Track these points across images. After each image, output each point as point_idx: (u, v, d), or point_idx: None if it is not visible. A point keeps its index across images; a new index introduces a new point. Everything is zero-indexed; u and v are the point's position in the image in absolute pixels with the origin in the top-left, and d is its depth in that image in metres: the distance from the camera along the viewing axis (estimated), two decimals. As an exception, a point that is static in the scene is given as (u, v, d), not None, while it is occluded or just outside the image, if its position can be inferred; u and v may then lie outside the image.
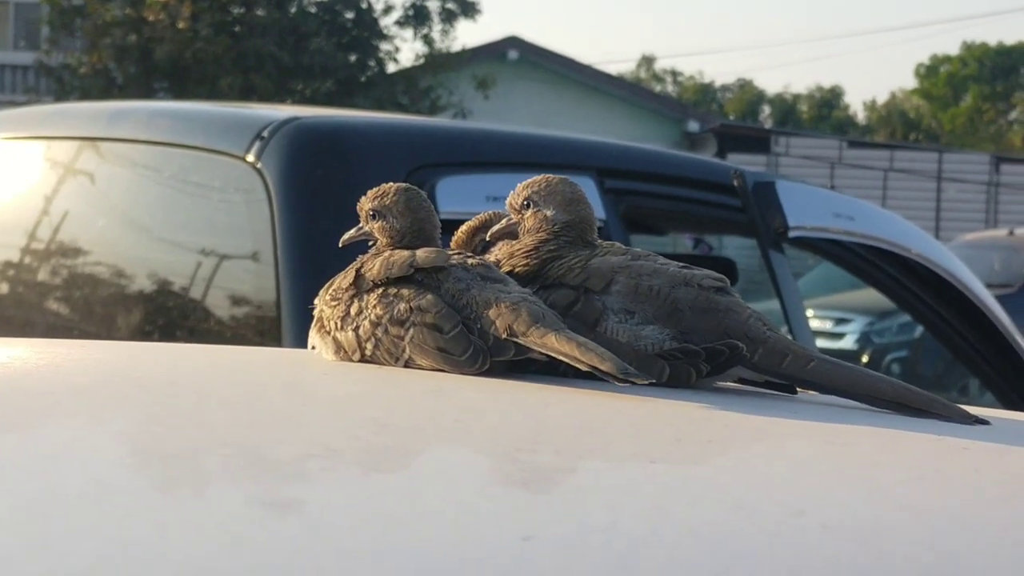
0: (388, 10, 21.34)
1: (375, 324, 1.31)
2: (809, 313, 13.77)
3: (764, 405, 1.24)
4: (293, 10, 20.51)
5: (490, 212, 1.52)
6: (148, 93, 19.73)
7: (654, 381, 1.21)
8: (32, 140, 3.50)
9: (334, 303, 1.36)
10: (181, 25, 19.13)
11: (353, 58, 20.94)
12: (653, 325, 1.29)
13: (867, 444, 1.09)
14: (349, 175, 2.91)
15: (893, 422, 1.18)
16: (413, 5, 21.34)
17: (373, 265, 1.36)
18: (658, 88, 56.18)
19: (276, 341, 2.75)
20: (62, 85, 20.11)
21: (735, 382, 1.34)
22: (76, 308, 3.36)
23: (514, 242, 1.43)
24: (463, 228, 1.52)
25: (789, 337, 1.39)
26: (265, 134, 2.89)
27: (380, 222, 1.43)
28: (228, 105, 4.20)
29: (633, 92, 29.47)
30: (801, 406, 1.26)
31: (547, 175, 1.48)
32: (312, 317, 1.43)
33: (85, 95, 19.48)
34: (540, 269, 1.38)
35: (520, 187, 1.46)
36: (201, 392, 1.19)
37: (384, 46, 21.48)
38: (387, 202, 1.43)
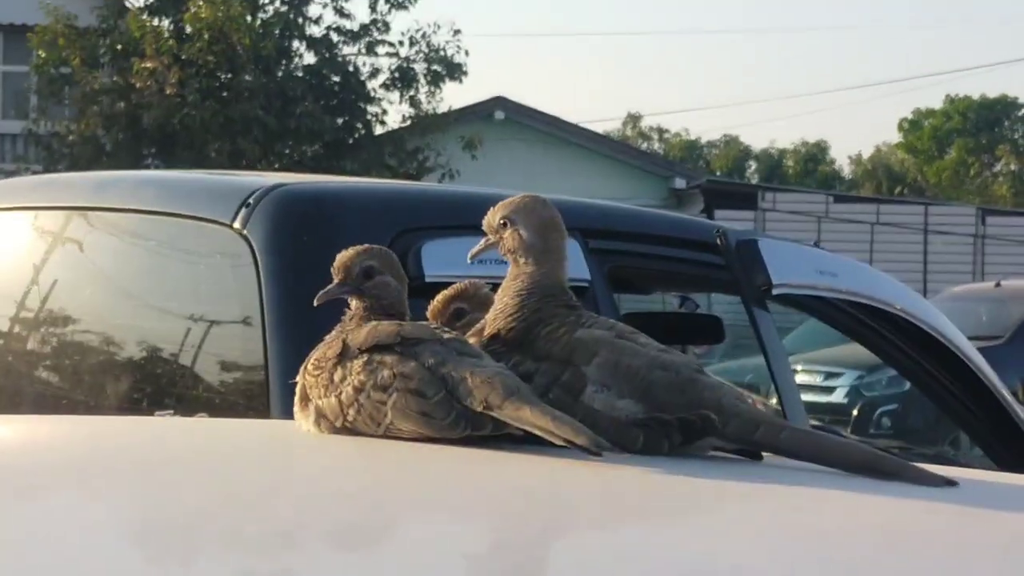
0: (375, 73, 21.46)
1: (358, 390, 1.33)
2: (799, 367, 13.80)
3: (734, 471, 1.26)
4: (280, 74, 20.62)
5: (466, 282, 1.55)
6: (137, 159, 19.78)
7: (626, 452, 1.24)
8: (19, 211, 3.51)
9: (317, 372, 1.39)
10: (168, 91, 19.22)
11: (340, 121, 21.04)
12: (628, 399, 1.32)
13: (829, 509, 1.10)
14: (334, 240, 2.89)
15: (862, 487, 1.19)
16: (399, 67, 21.45)
17: (359, 334, 1.37)
18: (644, 145, 56.41)
19: (264, 407, 2.76)
20: (51, 153, 20.16)
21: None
22: (65, 377, 3.37)
23: (497, 302, 1.45)
24: (439, 297, 1.55)
25: (763, 408, 1.42)
26: (251, 201, 2.90)
27: (376, 280, 1.45)
28: (213, 173, 4.23)
29: (619, 150, 29.60)
30: (772, 471, 1.28)
31: (526, 194, 1.50)
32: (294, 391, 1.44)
33: (74, 163, 19.53)
34: (526, 335, 1.39)
35: (498, 206, 1.48)
36: (178, 469, 1.21)
37: (371, 108, 21.60)
38: (384, 262, 1.47)
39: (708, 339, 4.66)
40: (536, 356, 1.38)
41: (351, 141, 21.10)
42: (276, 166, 19.85)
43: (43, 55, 20.00)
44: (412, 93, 21.49)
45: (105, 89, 19.83)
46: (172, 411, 2.93)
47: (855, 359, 12.56)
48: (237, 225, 2.89)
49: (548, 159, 25.86)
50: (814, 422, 5.07)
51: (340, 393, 1.35)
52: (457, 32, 21.54)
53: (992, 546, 1.03)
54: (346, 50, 21.64)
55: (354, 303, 1.46)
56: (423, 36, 21.40)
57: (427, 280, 2.88)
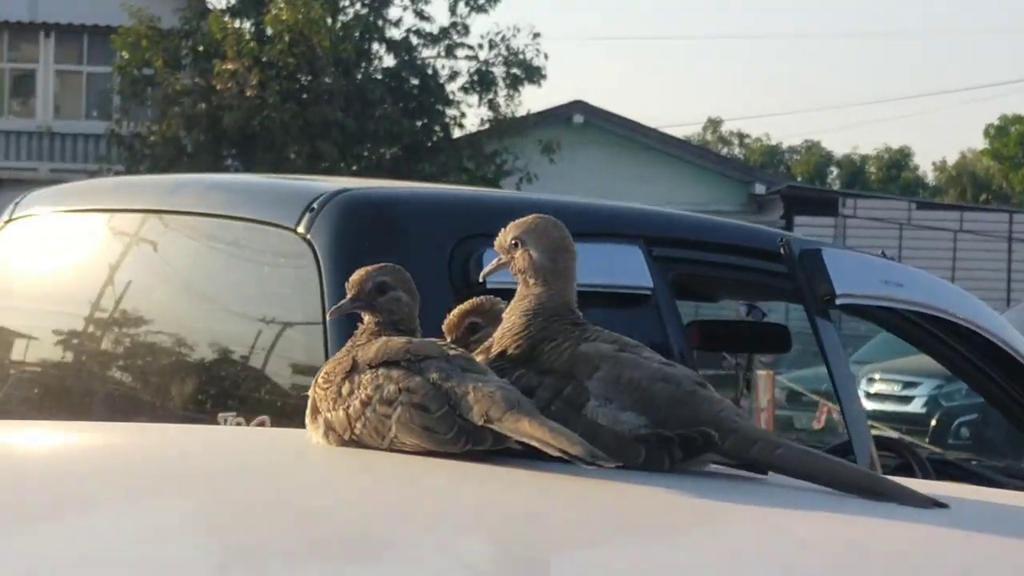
0: (453, 76, 21.54)
1: (365, 404, 1.36)
2: (876, 376, 13.66)
3: (730, 489, 1.28)
4: (359, 77, 20.75)
5: (482, 297, 1.57)
6: (217, 161, 19.99)
7: (621, 465, 1.25)
8: (95, 212, 3.57)
9: (326, 385, 1.42)
10: (249, 93, 19.40)
11: (419, 124, 21.12)
12: (630, 412, 1.34)
13: (804, 528, 1.12)
14: (395, 246, 2.95)
15: (847, 507, 1.21)
16: (478, 71, 21.52)
17: (369, 350, 1.41)
18: (724, 151, 56.15)
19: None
20: (133, 154, 20.41)
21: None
22: (135, 377, 3.41)
23: (505, 320, 1.47)
24: (455, 311, 1.57)
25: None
26: (315, 206, 2.94)
27: (388, 296, 1.48)
28: (280, 177, 4.27)
29: (699, 155, 29.48)
30: (765, 489, 1.29)
31: (537, 214, 1.52)
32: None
33: (155, 163, 19.77)
34: (532, 351, 1.42)
35: (510, 226, 1.51)
36: (178, 478, 1.24)
37: (449, 111, 21.67)
38: (397, 279, 1.51)
39: (775, 348, 4.63)
40: (539, 371, 1.40)
41: (429, 144, 21.18)
42: (354, 168, 19.97)
43: (126, 56, 20.27)
44: (491, 96, 21.55)
45: (186, 90, 20.06)
46: (235, 413, 2.97)
47: (934, 368, 12.38)
48: (301, 229, 2.93)
49: (626, 164, 25.79)
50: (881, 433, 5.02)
51: (348, 407, 1.38)
52: (536, 35, 21.60)
53: (957, 570, 1.04)
54: (425, 53, 21.75)
55: (367, 318, 1.49)
56: (502, 39, 21.47)
57: (489, 287, 2.90)
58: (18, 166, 23.16)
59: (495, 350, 1.45)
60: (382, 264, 1.54)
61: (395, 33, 21.59)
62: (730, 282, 3.64)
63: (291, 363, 2.97)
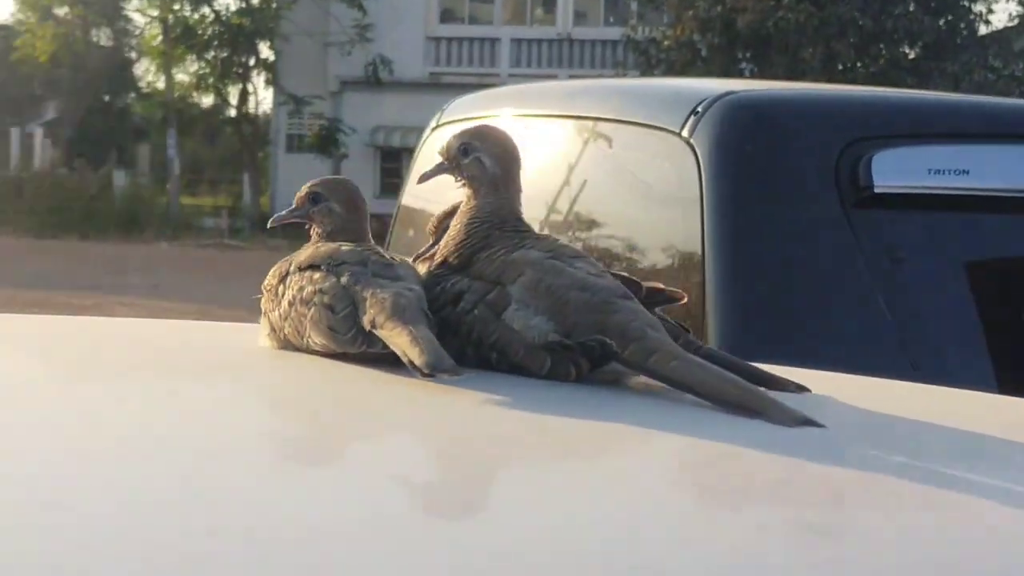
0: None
1: (291, 304, 1.42)
2: None
3: (620, 404, 1.29)
4: (878, -26, 20.16)
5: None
6: (731, 64, 20.00)
7: (459, 376, 1.24)
8: (506, 118, 3.68)
9: (268, 288, 1.48)
10: (762, -6, 19.27)
11: (941, 21, 20.30)
12: (541, 317, 1.33)
13: (636, 447, 1.14)
14: (779, 148, 2.87)
15: (721, 422, 1.21)
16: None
17: (302, 254, 1.46)
18: None
19: (701, 314, 2.76)
20: (647, 59, 20.76)
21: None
22: None
23: (451, 228, 1.47)
24: (438, 213, 1.57)
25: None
26: (699, 109, 2.90)
27: (320, 206, 1.52)
28: (672, 81, 4.25)
29: None
30: (659, 405, 1.29)
31: (485, 123, 1.52)
32: None
33: (669, 68, 20.02)
34: (471, 259, 1.42)
35: (459, 132, 1.48)
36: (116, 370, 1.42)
37: (976, 7, 20.69)
38: (330, 190, 1.53)
39: None
40: (471, 276, 1.40)
41: (952, 42, 20.31)
42: (871, 69, 19.48)
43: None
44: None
45: (703, -7, 20.15)
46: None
47: None
48: (685, 133, 2.90)
49: None
50: None
51: (280, 307, 1.44)
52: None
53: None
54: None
55: (312, 228, 1.54)
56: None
57: (876, 191, 2.77)
58: (538, 73, 24.07)
59: (437, 258, 1.45)
60: (324, 177, 1.58)
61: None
62: None
63: (671, 267, 2.95)
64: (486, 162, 1.46)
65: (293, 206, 1.54)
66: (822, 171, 2.80)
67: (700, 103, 2.92)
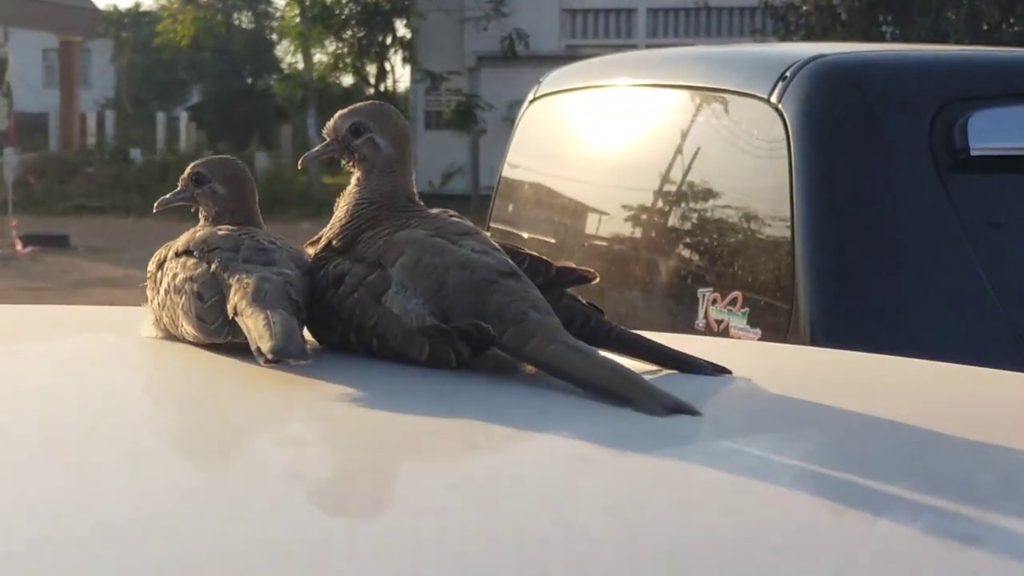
0: None
1: (167, 292, 1.36)
2: None
3: (492, 393, 1.23)
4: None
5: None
6: (872, 27, 19.58)
7: (304, 363, 1.19)
8: (595, 89, 3.66)
9: (149, 276, 1.42)
10: (903, -44, 18.83)
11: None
12: (419, 299, 1.26)
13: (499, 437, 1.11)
14: (869, 113, 2.80)
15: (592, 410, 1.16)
16: None
17: (180, 240, 1.40)
18: None
19: (791, 281, 2.70)
20: (786, 24, 20.41)
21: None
22: (620, 246, 3.44)
23: (338, 210, 1.40)
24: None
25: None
26: (787, 74, 2.86)
27: (204, 188, 1.46)
28: (759, 46, 4.15)
29: None
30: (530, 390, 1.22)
31: (374, 101, 1.46)
32: None
33: (809, 32, 19.65)
34: (355, 240, 1.35)
35: (346, 111, 1.42)
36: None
37: None
38: (213, 170, 1.46)
39: None
40: (353, 259, 1.33)
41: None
42: (1016, 28, 18.94)
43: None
44: None
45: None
46: (712, 288, 2.93)
47: None
48: (773, 99, 2.85)
49: None
50: None
51: (158, 296, 1.39)
52: None
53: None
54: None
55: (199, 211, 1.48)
56: None
57: (973, 154, 2.69)
58: (676, 42, 23.85)
59: (323, 241, 1.39)
60: (207, 157, 1.53)
61: None
62: None
63: (760, 236, 2.89)
64: (380, 143, 1.40)
65: (178, 188, 1.48)
66: (915, 134, 2.72)
67: (788, 68, 2.87)
